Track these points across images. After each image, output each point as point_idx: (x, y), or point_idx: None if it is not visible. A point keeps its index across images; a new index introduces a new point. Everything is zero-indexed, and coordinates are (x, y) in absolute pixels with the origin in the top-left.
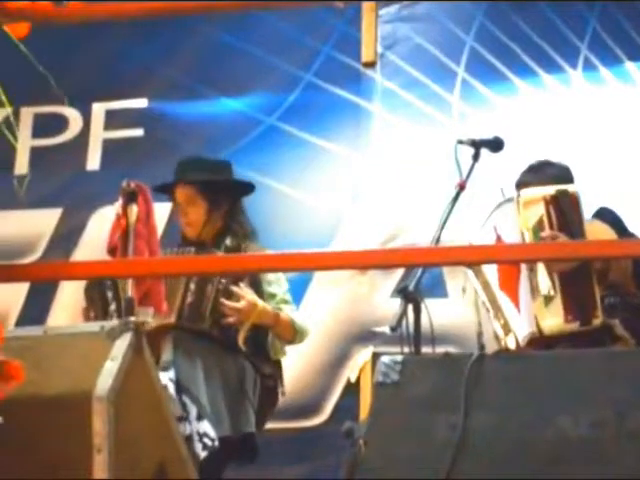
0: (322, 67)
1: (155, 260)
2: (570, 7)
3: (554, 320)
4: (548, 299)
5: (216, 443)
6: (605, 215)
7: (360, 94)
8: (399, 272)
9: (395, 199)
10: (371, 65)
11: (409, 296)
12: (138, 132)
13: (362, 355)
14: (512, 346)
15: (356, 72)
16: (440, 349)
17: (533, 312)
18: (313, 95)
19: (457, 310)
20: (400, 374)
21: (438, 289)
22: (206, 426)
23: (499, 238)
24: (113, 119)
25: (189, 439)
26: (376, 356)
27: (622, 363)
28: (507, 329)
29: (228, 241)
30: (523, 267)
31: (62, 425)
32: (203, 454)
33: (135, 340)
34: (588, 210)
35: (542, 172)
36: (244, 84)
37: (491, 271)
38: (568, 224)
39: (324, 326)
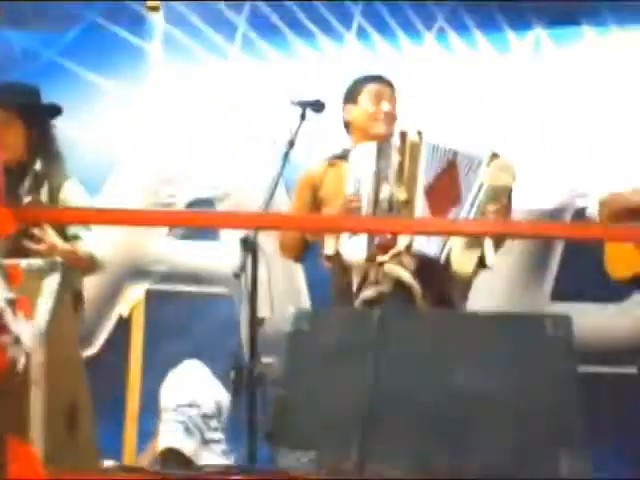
0: (105, 7)
1: None
2: None
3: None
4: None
5: None
6: None
7: (143, 37)
8: None
9: (172, 143)
10: (155, 10)
11: (250, 246)
12: None
13: (135, 292)
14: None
15: (140, 15)
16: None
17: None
18: (95, 34)
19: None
20: (310, 324)
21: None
22: None
23: None
24: None
25: None
26: (149, 293)
27: (505, 325)
28: None
29: (38, 166)
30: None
31: None
32: None
33: (64, 280)
34: None
35: None
36: (24, 18)
37: None
38: None
39: None
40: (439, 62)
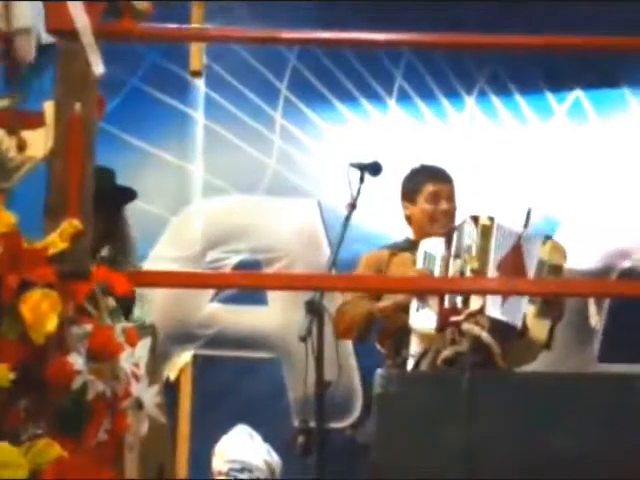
0: (148, 73)
1: None
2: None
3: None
4: (542, 314)
5: None
6: None
7: (186, 103)
8: None
9: (219, 207)
10: (198, 75)
11: (315, 308)
12: None
13: (183, 356)
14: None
15: (182, 80)
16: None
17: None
18: (139, 100)
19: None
20: (398, 387)
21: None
22: None
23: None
24: None
25: None
26: (196, 358)
27: (600, 386)
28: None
29: (104, 252)
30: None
31: None
32: None
33: (154, 344)
34: None
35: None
36: None
37: None
38: None
39: None
40: (481, 126)
